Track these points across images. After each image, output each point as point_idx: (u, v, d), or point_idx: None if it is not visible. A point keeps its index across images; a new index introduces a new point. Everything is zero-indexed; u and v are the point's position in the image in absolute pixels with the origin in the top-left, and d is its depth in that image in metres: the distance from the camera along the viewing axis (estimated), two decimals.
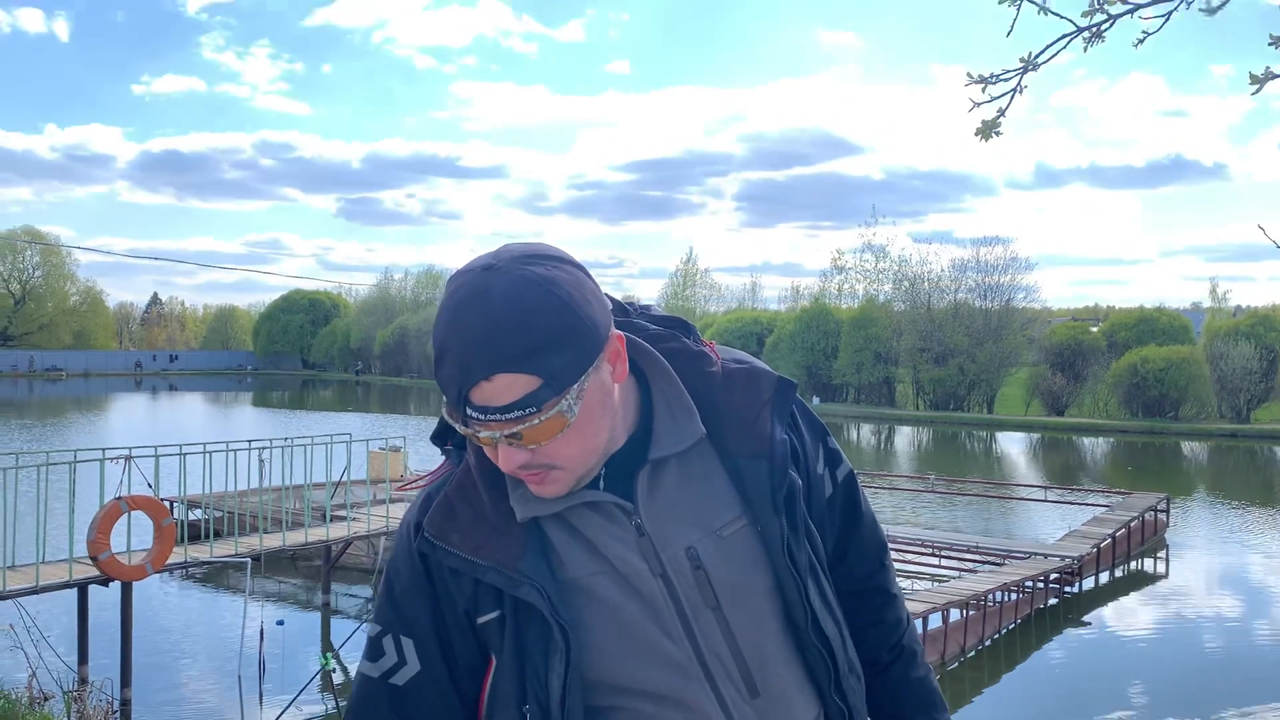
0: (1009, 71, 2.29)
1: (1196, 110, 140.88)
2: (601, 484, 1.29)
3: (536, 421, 1.17)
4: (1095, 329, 54.95)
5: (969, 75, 2.30)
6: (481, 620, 1.28)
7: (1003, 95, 2.33)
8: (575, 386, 1.18)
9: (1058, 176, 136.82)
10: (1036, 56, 2.22)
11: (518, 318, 1.15)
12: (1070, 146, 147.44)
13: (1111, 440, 40.67)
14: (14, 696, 9.01)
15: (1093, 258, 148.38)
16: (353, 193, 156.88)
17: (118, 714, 9.52)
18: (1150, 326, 49.65)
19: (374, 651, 1.32)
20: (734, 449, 1.33)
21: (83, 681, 9.88)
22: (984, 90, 2.33)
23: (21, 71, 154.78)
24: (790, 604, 1.32)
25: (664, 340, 1.38)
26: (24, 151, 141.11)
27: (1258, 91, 2.23)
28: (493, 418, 1.17)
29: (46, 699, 9.38)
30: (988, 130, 2.33)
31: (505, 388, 1.16)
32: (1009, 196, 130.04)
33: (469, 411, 1.18)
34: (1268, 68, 2.15)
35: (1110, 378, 46.40)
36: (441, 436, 1.36)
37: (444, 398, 1.22)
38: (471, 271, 1.20)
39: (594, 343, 1.20)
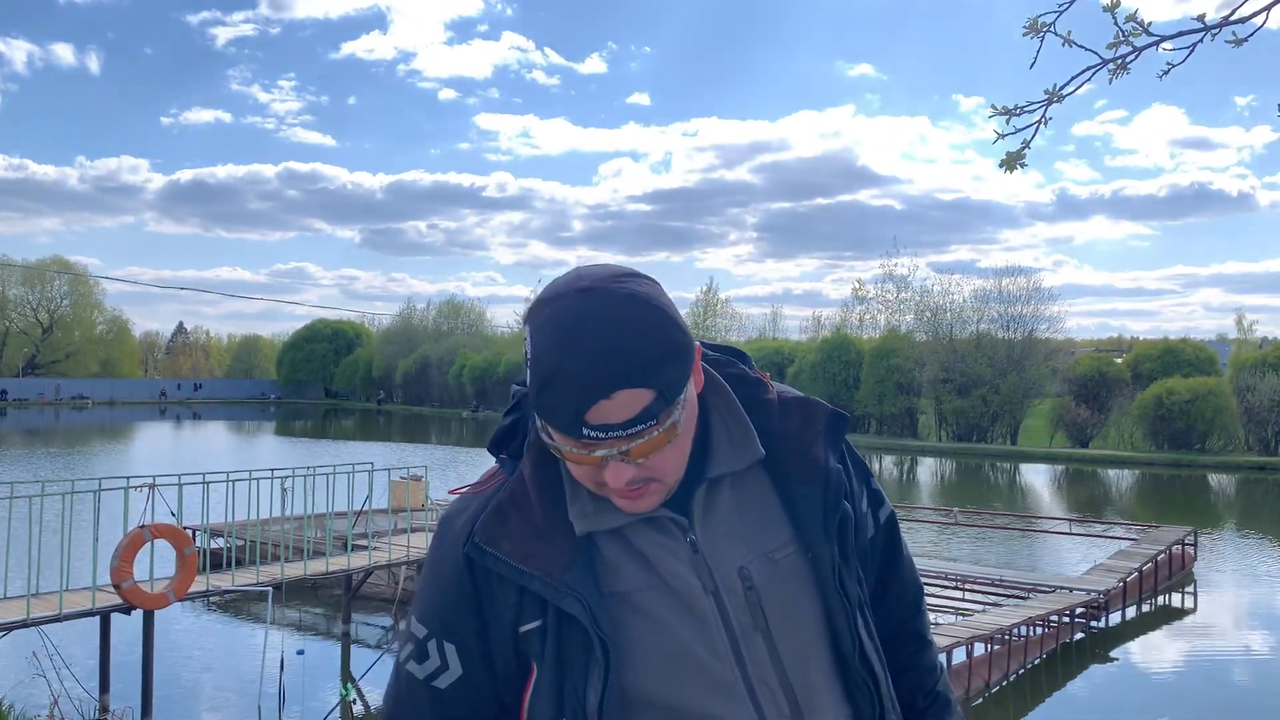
0: (1033, 104, 2.29)
1: (1219, 141, 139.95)
2: None
3: (656, 434, 1.19)
4: (1119, 360, 54.58)
5: (993, 108, 2.31)
6: (524, 629, 1.27)
7: (1027, 127, 2.33)
8: (681, 396, 1.21)
9: (1080, 207, 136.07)
10: (1061, 89, 2.22)
11: (634, 333, 1.18)
12: (1092, 177, 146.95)
13: (1137, 473, 40.24)
14: None
15: (1116, 288, 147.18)
16: (376, 223, 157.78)
17: None
18: (1175, 358, 49.29)
19: (420, 653, 1.33)
20: (788, 475, 1.34)
21: (104, 710, 9.89)
22: (1008, 122, 2.34)
23: (54, 105, 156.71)
24: (838, 633, 1.31)
25: (723, 365, 1.40)
26: (54, 183, 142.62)
27: None
28: (614, 434, 1.18)
29: None
30: (1013, 162, 2.33)
31: (625, 403, 1.17)
32: (1031, 227, 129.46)
33: (586, 431, 1.18)
34: None
35: (1135, 409, 46.02)
36: (499, 444, 1.37)
37: (543, 421, 1.22)
38: (567, 295, 1.21)
39: (692, 353, 1.24)
